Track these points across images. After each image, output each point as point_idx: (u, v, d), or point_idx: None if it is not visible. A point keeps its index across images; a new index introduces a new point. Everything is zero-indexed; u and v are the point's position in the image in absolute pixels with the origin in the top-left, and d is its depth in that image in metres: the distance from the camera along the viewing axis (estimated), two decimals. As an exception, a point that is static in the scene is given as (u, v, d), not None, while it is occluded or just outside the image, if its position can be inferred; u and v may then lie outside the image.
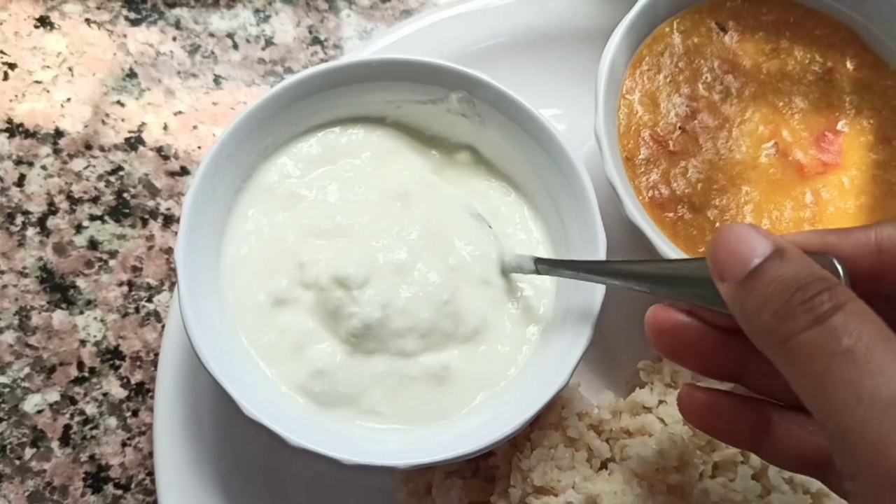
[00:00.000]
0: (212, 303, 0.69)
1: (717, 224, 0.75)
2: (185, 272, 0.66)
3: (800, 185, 0.76)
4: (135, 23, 0.91)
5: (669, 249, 0.71)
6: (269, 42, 0.92)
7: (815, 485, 0.76)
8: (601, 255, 0.69)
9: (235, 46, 0.91)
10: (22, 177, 0.85)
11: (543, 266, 0.69)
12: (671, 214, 0.75)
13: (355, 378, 0.69)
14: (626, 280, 0.63)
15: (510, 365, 0.71)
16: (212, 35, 0.91)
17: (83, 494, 0.77)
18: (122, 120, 0.88)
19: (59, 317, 0.81)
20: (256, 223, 0.71)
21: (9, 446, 0.77)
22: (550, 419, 0.75)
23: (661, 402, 0.76)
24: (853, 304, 0.45)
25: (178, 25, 0.92)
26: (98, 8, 0.92)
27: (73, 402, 0.79)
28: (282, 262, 0.70)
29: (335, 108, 0.74)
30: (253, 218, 0.72)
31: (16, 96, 0.87)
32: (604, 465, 0.73)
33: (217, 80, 0.90)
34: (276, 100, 0.71)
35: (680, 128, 0.77)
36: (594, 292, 0.69)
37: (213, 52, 0.91)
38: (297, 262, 0.69)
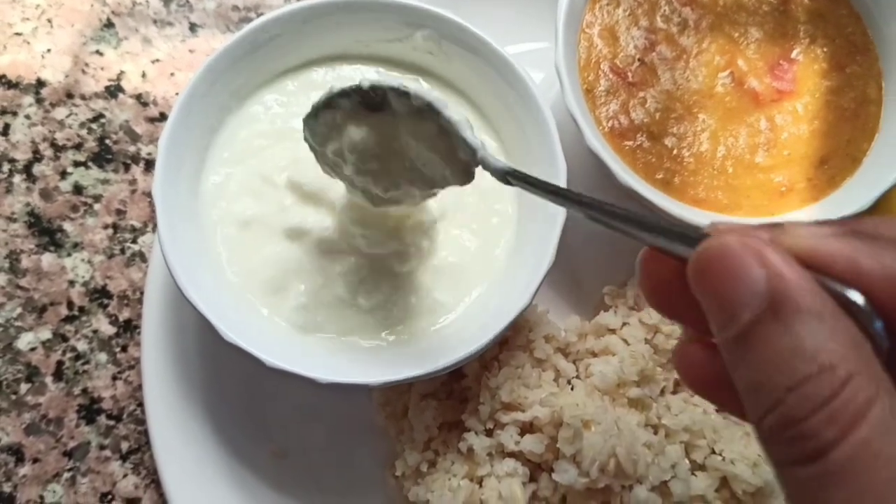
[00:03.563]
0: (191, 236, 0.72)
1: (675, 151, 0.78)
2: (164, 208, 0.69)
3: (755, 113, 0.79)
4: (110, -26, 0.93)
5: (628, 176, 0.74)
6: (242, -11, 0.94)
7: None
8: (562, 184, 0.72)
9: (210, -6, 0.93)
10: (6, 126, 0.87)
11: (516, 179, 0.71)
12: (630, 143, 0.78)
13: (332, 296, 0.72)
14: (601, 216, 0.57)
15: (476, 286, 0.75)
16: (186, -16, 0.93)
17: (77, 425, 0.81)
18: (102, 69, 0.90)
19: (47, 259, 0.84)
20: (232, 157, 0.74)
21: (4, 382, 0.81)
22: (518, 342, 0.78)
23: (624, 324, 0.79)
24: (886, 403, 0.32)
25: (152, -25, 0.93)
26: (74, -40, 0.94)
27: (65, 339, 0.83)
28: (253, 185, 0.73)
29: (303, 47, 0.76)
30: (229, 155, 0.74)
31: (-3, 48, 0.90)
32: (569, 384, 0.77)
33: (193, 27, 0.92)
34: (244, 40, 0.74)
35: (639, 60, 0.79)
36: (555, 219, 0.72)
37: (187, 1, 0.93)
38: (265, 179, 0.73)
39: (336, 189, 0.75)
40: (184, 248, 0.70)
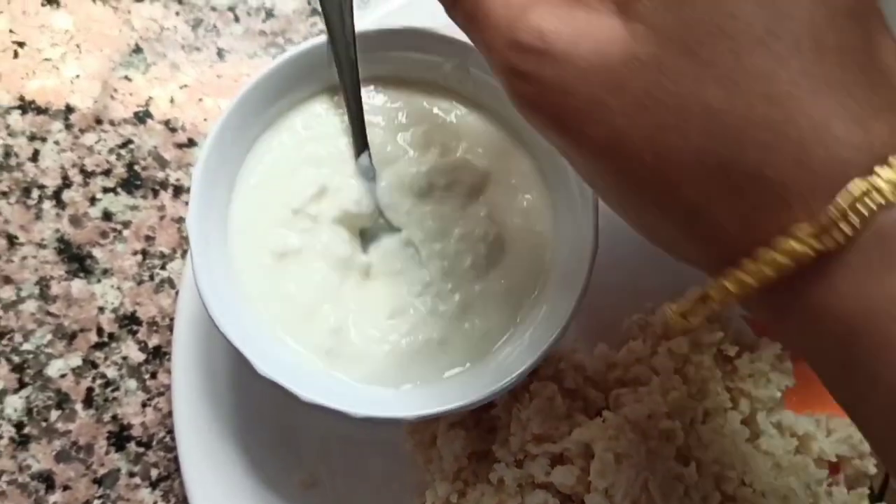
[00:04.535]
0: (223, 267, 0.72)
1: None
2: (197, 239, 0.70)
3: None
4: (138, -1, 0.94)
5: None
6: (269, 14, 0.94)
7: (802, 427, 0.80)
8: (593, 209, 0.72)
9: (237, 19, 0.94)
10: (36, 152, 0.88)
11: None
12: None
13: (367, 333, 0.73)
14: None
15: (519, 314, 0.75)
16: (213, 9, 0.94)
17: (107, 452, 0.81)
18: (130, 94, 0.91)
19: (77, 285, 0.85)
20: (260, 186, 0.75)
21: (35, 409, 0.81)
22: (548, 372, 0.78)
23: (653, 353, 0.79)
24: None
25: (180, 1, 0.94)
26: (102, -15, 0.94)
27: (95, 366, 0.83)
28: (282, 213, 0.73)
29: (334, 74, 0.76)
30: (257, 183, 0.75)
31: (27, 74, 0.90)
32: (598, 414, 0.76)
33: (220, 52, 0.93)
34: (279, 71, 0.74)
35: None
36: (586, 247, 0.72)
37: (215, 26, 0.93)
38: (293, 207, 0.73)
39: (364, 216, 0.75)
40: (216, 280, 0.71)
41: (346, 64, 0.75)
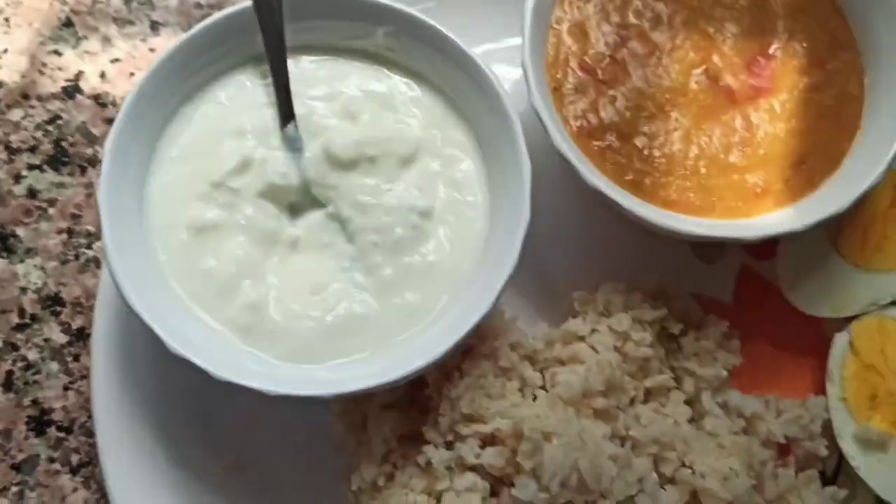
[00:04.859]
0: (139, 242, 0.69)
1: (646, 151, 0.75)
2: (108, 213, 0.67)
3: (730, 111, 0.76)
4: (70, -29, 0.91)
5: (595, 178, 0.71)
6: (205, -14, 0.91)
7: (749, 408, 0.77)
8: (526, 182, 0.69)
9: (172, -8, 0.91)
10: (-40, 128, 0.85)
11: None
12: (599, 143, 0.75)
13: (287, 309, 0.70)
14: None
15: (445, 290, 0.72)
16: (148, -19, 0.91)
17: (26, 437, 0.78)
18: (60, 69, 0.88)
19: (-1, 265, 0.82)
20: (180, 160, 0.72)
21: (-47, 392, 0.78)
22: (483, 350, 0.75)
23: (593, 330, 0.76)
24: None
25: (113, -28, 0.91)
26: (33, -43, 0.91)
27: (15, 348, 0.80)
28: (201, 187, 0.70)
29: (259, 42, 0.73)
30: (176, 154, 0.72)
31: (-48, 48, 0.87)
32: (534, 395, 0.73)
33: (154, 26, 0.90)
34: (196, 39, 0.71)
35: (609, 56, 0.76)
36: (520, 220, 0.69)
37: (149, -1, 0.90)
38: (214, 181, 0.70)
39: (290, 189, 0.72)
40: (130, 256, 0.68)
41: (272, 31, 0.72)
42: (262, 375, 0.66)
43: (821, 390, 0.80)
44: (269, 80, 0.74)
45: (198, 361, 0.64)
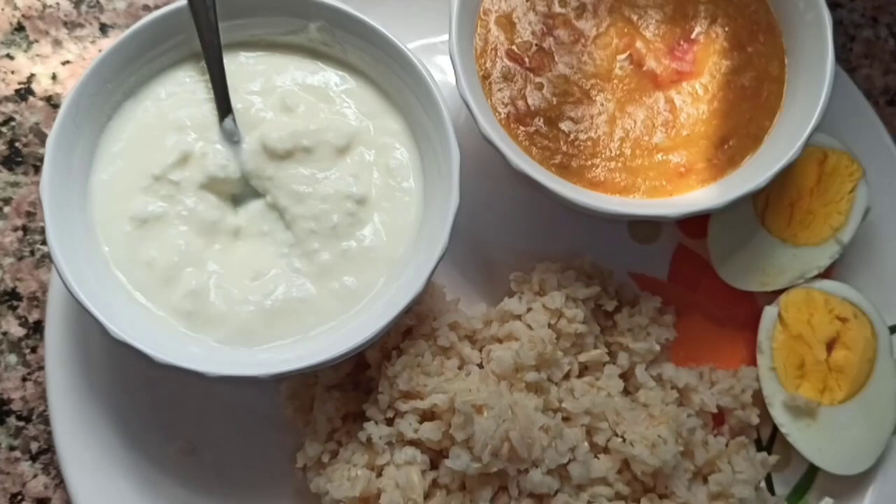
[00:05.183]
0: (83, 234, 0.72)
1: (572, 135, 0.77)
2: (51, 205, 0.69)
3: (654, 94, 0.79)
4: (22, -23, 0.93)
5: (522, 162, 0.74)
6: (154, -12, 0.94)
7: (683, 380, 0.80)
8: (455, 168, 0.72)
9: (121, -5, 0.93)
10: (-83, 132, 0.88)
11: None
12: (527, 128, 0.77)
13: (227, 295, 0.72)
14: None
15: (382, 273, 0.74)
16: (97, -15, 0.93)
17: (-13, 427, 0.81)
18: (12, 72, 0.90)
19: (-43, 263, 0.84)
20: (122, 154, 0.74)
21: (-86, 387, 0.81)
22: (422, 331, 0.78)
23: (529, 309, 0.79)
24: None
25: (64, -23, 0.93)
26: (-14, -35, 0.94)
27: (-26, 342, 0.83)
28: (142, 181, 0.73)
29: (196, 41, 0.76)
30: (118, 149, 0.74)
31: None
32: (469, 371, 0.76)
33: (103, 28, 0.93)
34: (135, 37, 0.74)
35: (536, 45, 0.79)
36: (448, 203, 0.71)
37: (98, 2, 0.93)
38: (155, 174, 0.73)
39: (231, 181, 0.75)
40: (74, 248, 0.70)
41: (207, 28, 0.75)
42: (202, 358, 0.69)
43: (753, 361, 0.83)
44: (208, 76, 0.76)
45: (138, 345, 0.67)
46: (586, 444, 0.73)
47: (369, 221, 0.76)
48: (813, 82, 0.77)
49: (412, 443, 0.73)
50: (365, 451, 0.74)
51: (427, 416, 0.73)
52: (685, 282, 0.87)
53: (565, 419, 0.75)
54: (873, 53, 0.97)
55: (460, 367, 0.77)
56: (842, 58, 0.96)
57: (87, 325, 0.79)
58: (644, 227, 0.87)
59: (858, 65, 0.96)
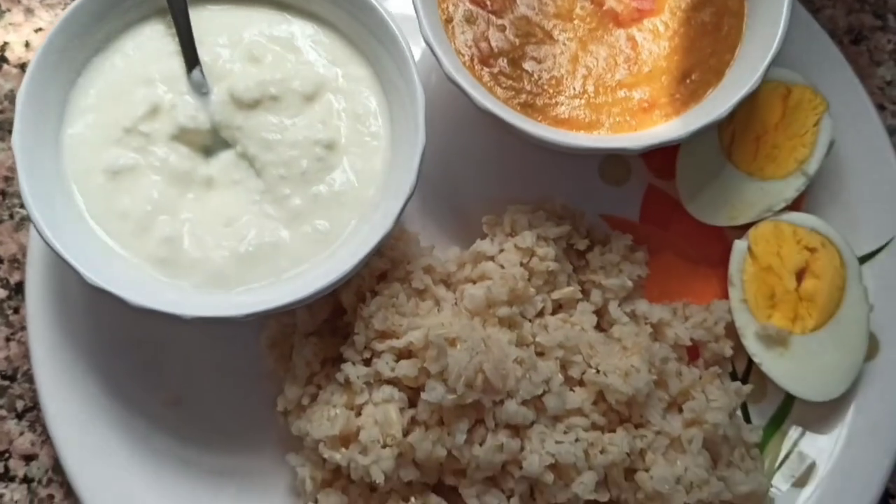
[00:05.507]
0: (56, 187, 0.73)
1: (536, 75, 0.79)
2: (23, 158, 0.71)
3: (615, 33, 0.80)
4: (-8, -51, 0.95)
5: (487, 101, 0.75)
6: (123, -44, 0.95)
7: (656, 315, 0.81)
8: (420, 110, 0.73)
9: (91, -37, 0.94)
10: None
11: None
12: (491, 69, 0.79)
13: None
14: None
15: (346, 225, 0.76)
16: (67, -46, 0.94)
17: (-28, 387, 0.82)
18: (-14, 42, 0.92)
19: (-62, 229, 0.86)
20: (92, 108, 0.75)
21: None
22: (397, 274, 0.79)
23: (501, 250, 0.80)
24: None
25: (33, -52, 0.95)
26: (-44, -62, 0.95)
27: (-43, 305, 0.84)
28: (113, 133, 0.74)
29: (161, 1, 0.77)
30: (88, 103, 0.76)
31: None
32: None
33: (75, -5, 0.93)
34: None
35: (498, -12, 0.80)
36: (414, 147, 0.72)
37: (68, -30, 0.94)
38: (125, 126, 0.74)
39: (201, 132, 0.76)
40: (49, 201, 0.72)
41: None
42: (179, 303, 0.70)
43: (725, 296, 0.84)
44: (174, 29, 0.77)
45: (115, 291, 0.68)
46: (561, 376, 0.75)
47: (339, 166, 0.77)
48: (771, 15, 0.78)
49: (389, 381, 0.74)
50: (343, 391, 0.75)
51: (403, 354, 0.75)
52: (656, 221, 0.88)
53: (539, 353, 0.76)
54: (837, -6, 0.98)
55: (437, 308, 0.78)
56: (806, -1, 0.97)
57: (67, 284, 0.80)
58: (614, 169, 0.88)
59: (822, 5, 0.98)
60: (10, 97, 0.90)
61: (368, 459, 0.71)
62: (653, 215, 0.88)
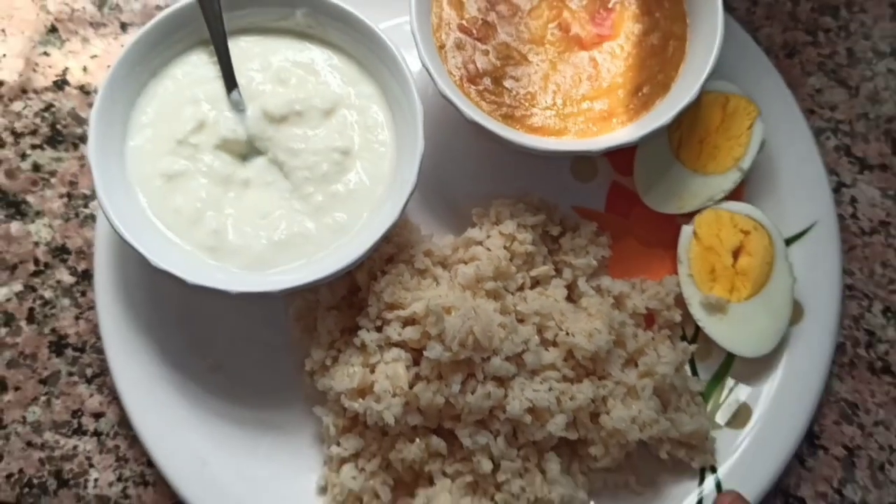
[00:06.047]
0: (122, 188, 0.89)
1: (514, 91, 0.95)
2: (97, 164, 0.87)
3: (580, 54, 0.96)
4: (51, -13, 1.11)
5: (474, 114, 0.91)
6: (163, -9, 1.11)
7: (618, 289, 0.98)
8: (419, 122, 0.89)
9: (136, -2, 1.11)
10: (-27, 121, 1.05)
11: None
12: (477, 87, 0.95)
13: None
14: None
15: (366, 209, 0.92)
16: (115, -10, 1.11)
17: (49, 358, 0.98)
18: (49, 67, 1.08)
19: (15, 227, 1.02)
20: (150, 124, 0.92)
21: (-13, 328, 0.98)
22: (402, 258, 0.96)
23: (488, 236, 0.97)
24: None
25: (86, -15, 1.11)
26: (20, -22, 1.11)
27: (34, 290, 1.00)
28: (167, 145, 0.90)
29: (204, 29, 0.93)
30: (147, 122, 0.92)
31: (-40, 57, 1.07)
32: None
33: (123, 26, 1.10)
34: (153, 30, 0.91)
35: (482, 19, 0.97)
36: (415, 152, 0.89)
37: (117, 4, 1.11)
38: (178, 138, 0.91)
39: (239, 142, 0.92)
40: (117, 200, 0.88)
41: (213, 18, 0.92)
42: (226, 281, 0.87)
43: (675, 272, 1.01)
44: (215, 58, 0.94)
45: (175, 272, 0.85)
46: (537, 338, 0.91)
47: (353, 169, 0.93)
48: (708, 39, 0.94)
49: (397, 344, 0.90)
50: (360, 353, 0.92)
51: (408, 321, 0.91)
52: (619, 211, 1.04)
53: (520, 320, 0.92)
54: (774, 14, 1.14)
55: (434, 285, 0.95)
56: (746, 20, 1.13)
57: (128, 269, 0.96)
58: (584, 168, 1.04)
59: (761, 25, 1.14)
60: (73, 114, 1.06)
61: (381, 406, 0.87)
62: (616, 206, 1.04)
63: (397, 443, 0.90)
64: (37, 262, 1.01)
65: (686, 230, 0.99)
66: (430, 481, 0.90)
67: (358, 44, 0.95)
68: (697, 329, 1.00)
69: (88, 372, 0.99)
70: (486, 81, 0.95)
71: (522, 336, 0.90)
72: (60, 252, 1.02)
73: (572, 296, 0.98)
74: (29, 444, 0.96)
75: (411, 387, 0.88)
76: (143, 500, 0.95)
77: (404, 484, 0.92)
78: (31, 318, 1.00)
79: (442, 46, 0.96)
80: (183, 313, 0.97)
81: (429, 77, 0.92)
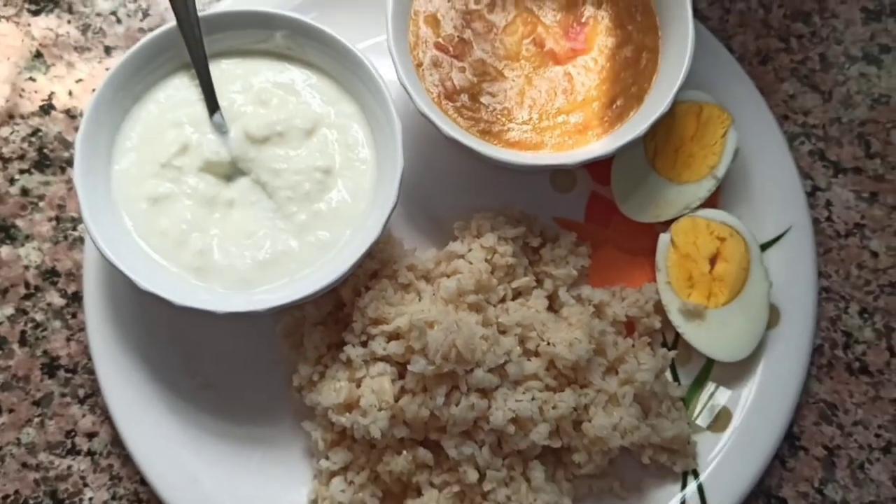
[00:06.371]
0: (108, 212, 0.91)
1: (491, 107, 0.97)
2: (82, 189, 0.89)
3: (554, 69, 0.98)
4: (35, 13, 1.13)
5: (452, 130, 0.93)
6: (145, 13, 1.13)
7: (598, 297, 1.00)
8: (398, 139, 0.91)
9: (119, 21, 1.13)
10: (-39, 147, 1.07)
11: None
12: (455, 103, 0.97)
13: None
14: None
15: (348, 227, 0.94)
16: (98, 14, 1.13)
17: (41, 379, 1.00)
18: (35, 92, 1.10)
19: (5, 251, 1.04)
20: (134, 148, 0.94)
21: (-20, 352, 1.00)
22: (386, 273, 0.98)
23: (469, 249, 0.99)
24: None
25: (70, 10, 1.13)
26: (4, 4, 1.13)
27: (25, 312, 1.02)
28: (151, 168, 0.92)
29: (185, 53, 0.95)
30: (132, 146, 0.94)
31: (-53, 84, 1.09)
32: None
33: (107, 50, 1.12)
34: (135, 56, 0.93)
35: (458, 36, 0.99)
36: (395, 169, 0.91)
37: (101, 28, 1.12)
38: (161, 161, 0.92)
39: (223, 164, 0.94)
40: (103, 223, 0.89)
41: (194, 42, 0.94)
42: (212, 301, 0.89)
43: (654, 279, 1.03)
44: (197, 81, 0.96)
45: (162, 293, 0.86)
46: (519, 349, 0.93)
47: (335, 187, 0.95)
48: (679, 51, 0.96)
49: (382, 359, 0.92)
50: (346, 368, 0.94)
51: (393, 336, 0.93)
52: (598, 221, 1.06)
53: (502, 331, 0.94)
54: (746, 22, 1.16)
55: (419, 299, 0.96)
56: (719, 28, 1.15)
57: (117, 290, 0.98)
58: (563, 179, 1.06)
59: (734, 33, 1.16)
60: (60, 138, 1.08)
61: (368, 420, 0.89)
62: (595, 216, 1.06)
63: (385, 455, 0.92)
64: (27, 285, 1.03)
65: (663, 238, 1.01)
66: (418, 492, 0.92)
67: (337, 63, 0.97)
68: (677, 335, 1.02)
69: (81, 392, 1.01)
70: (464, 98, 0.97)
71: (504, 347, 0.92)
72: (50, 275, 1.04)
73: (553, 306, 1.00)
74: (24, 465, 0.98)
75: (397, 400, 0.90)
76: (136, 517, 0.97)
77: (393, 495, 0.94)
78: (23, 341, 1.01)
79: (419, 64, 0.98)
80: (172, 332, 0.99)
81: (406, 95, 0.94)
